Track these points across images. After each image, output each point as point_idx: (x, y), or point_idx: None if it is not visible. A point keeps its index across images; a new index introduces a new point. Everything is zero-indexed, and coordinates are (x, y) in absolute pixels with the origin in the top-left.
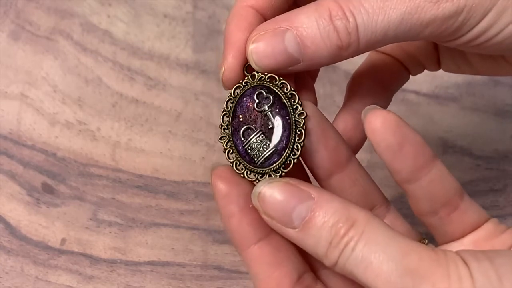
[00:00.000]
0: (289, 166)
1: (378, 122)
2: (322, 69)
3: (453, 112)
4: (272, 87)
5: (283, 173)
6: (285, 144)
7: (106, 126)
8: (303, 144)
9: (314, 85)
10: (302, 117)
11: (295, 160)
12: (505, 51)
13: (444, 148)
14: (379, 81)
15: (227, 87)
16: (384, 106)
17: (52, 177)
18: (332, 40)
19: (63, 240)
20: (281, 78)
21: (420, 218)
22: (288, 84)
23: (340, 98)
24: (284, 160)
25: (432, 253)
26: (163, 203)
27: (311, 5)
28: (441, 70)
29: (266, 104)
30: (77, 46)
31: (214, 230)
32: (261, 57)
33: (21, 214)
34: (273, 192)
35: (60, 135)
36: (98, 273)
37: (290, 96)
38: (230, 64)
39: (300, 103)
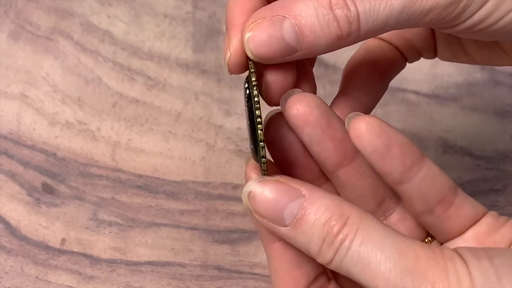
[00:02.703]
0: (263, 164)
1: (362, 127)
2: (322, 69)
3: (453, 112)
4: (250, 78)
5: (265, 172)
6: (253, 139)
7: (106, 126)
8: (262, 140)
9: None
10: (258, 112)
11: (264, 159)
12: (503, 38)
13: (444, 148)
14: (375, 68)
15: (232, 72)
16: (381, 94)
17: (52, 177)
18: (332, 29)
19: (63, 240)
20: (250, 63)
21: (417, 219)
22: (253, 72)
23: None
24: (259, 157)
25: (428, 251)
26: (163, 203)
27: None
28: (441, 70)
29: (245, 97)
30: (77, 46)
31: (214, 230)
32: (257, 46)
33: (21, 214)
34: (263, 190)
35: (60, 135)
36: (98, 273)
37: (254, 86)
38: (236, 48)
39: (255, 93)
